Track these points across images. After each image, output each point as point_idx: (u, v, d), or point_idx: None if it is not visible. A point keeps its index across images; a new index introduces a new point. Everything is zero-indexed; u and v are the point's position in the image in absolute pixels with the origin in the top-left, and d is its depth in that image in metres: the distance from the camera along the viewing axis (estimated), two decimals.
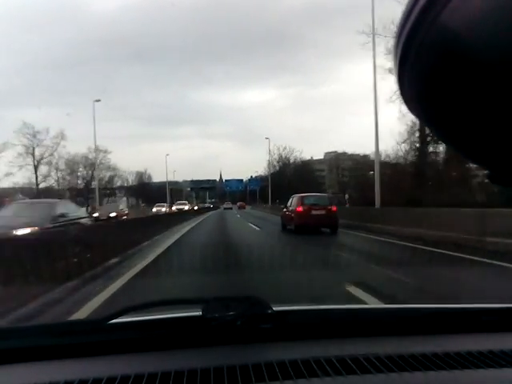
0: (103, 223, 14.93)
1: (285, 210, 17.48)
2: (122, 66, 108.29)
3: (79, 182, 56.90)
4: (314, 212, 15.22)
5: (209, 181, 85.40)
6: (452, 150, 0.48)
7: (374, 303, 4.39)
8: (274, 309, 1.18)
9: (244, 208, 74.09)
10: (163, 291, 5.33)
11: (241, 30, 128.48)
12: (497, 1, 0.34)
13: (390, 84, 19.49)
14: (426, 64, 0.40)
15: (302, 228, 14.92)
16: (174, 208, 44.64)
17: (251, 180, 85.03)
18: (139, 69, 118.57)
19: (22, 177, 54.20)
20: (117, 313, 1.16)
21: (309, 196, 17.11)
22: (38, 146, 49.12)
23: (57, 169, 52.40)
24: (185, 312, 1.26)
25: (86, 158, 52.96)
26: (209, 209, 58.38)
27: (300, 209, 15.39)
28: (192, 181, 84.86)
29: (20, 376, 1.03)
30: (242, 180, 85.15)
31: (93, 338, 1.15)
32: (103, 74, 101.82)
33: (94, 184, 45.17)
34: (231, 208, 70.36)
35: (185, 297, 1.43)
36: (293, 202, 16.28)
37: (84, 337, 1.15)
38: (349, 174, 65.01)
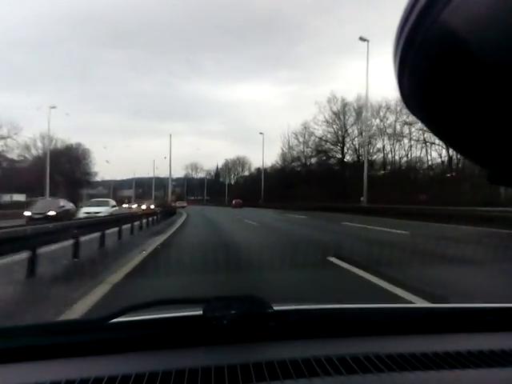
0: None
1: None
2: (102, 49, 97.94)
3: None
4: None
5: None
6: (453, 149, 0.48)
7: None
8: (274, 308, 1.17)
9: (241, 207, 52.15)
10: None
11: (233, 16, 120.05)
12: (497, 1, 0.34)
13: None
14: (426, 64, 0.41)
15: None
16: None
17: None
18: (120, 54, 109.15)
19: None
20: (117, 312, 1.16)
21: None
22: None
23: None
24: (185, 311, 1.26)
25: None
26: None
27: None
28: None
29: (21, 375, 1.03)
30: None
31: (94, 338, 1.15)
32: (79, 57, 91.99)
33: None
34: (184, 206, 55.75)
35: (185, 296, 1.42)
36: None
37: (85, 336, 1.15)
38: None
